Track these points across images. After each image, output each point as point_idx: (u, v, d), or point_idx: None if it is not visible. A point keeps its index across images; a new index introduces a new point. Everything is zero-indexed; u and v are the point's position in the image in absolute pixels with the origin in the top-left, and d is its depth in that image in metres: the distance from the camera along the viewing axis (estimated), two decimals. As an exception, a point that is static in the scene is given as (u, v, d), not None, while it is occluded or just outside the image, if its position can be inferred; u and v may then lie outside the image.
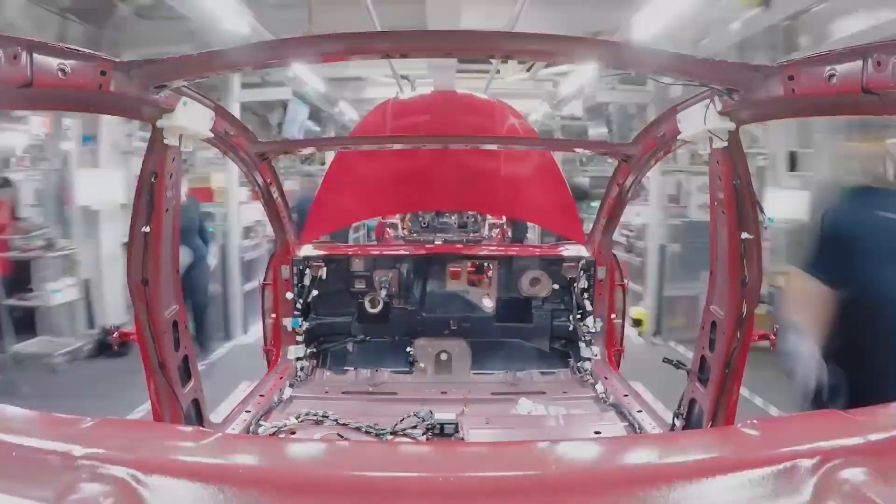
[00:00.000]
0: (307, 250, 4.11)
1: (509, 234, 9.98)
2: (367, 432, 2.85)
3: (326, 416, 2.98)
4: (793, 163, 7.36)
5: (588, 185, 13.39)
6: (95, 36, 6.98)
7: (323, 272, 4.04)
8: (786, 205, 6.45)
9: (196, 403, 2.61)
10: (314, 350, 4.04)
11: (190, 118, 2.19)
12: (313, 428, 3.07)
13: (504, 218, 9.74)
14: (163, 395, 2.41)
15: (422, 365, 4.02)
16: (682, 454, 1.20)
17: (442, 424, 2.89)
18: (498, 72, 10.12)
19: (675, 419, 2.74)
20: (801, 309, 2.69)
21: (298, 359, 3.91)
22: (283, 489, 1.06)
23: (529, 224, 10.50)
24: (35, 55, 1.52)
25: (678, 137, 2.54)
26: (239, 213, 8.68)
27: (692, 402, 2.63)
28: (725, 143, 2.18)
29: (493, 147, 4.07)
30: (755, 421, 1.28)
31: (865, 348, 2.59)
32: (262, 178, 3.45)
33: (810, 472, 1.02)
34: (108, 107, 2.07)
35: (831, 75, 1.62)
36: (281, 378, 3.63)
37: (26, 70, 1.51)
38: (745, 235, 2.26)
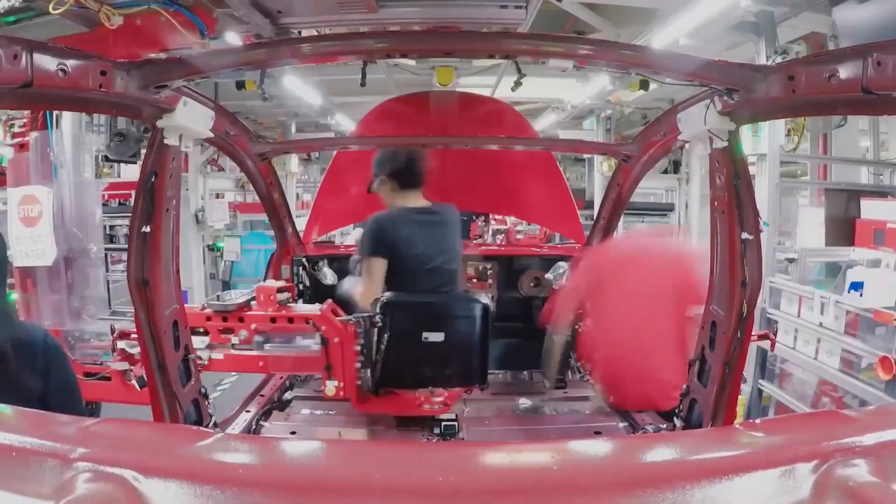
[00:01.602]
0: (308, 250, 4.11)
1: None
2: None
3: None
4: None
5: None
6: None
7: (323, 271, 4.04)
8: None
9: (196, 403, 2.61)
10: None
11: (190, 118, 2.19)
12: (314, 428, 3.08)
13: (508, 222, 9.71)
14: (163, 395, 2.41)
15: None
16: (682, 454, 1.20)
17: (442, 424, 2.89)
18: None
19: (675, 419, 2.74)
20: None
21: None
22: (283, 489, 1.06)
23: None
24: (35, 55, 1.52)
25: (678, 137, 2.54)
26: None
27: (692, 402, 2.63)
28: (725, 143, 2.18)
29: (494, 147, 4.07)
30: (755, 421, 1.28)
31: None
32: (263, 178, 3.45)
33: (810, 472, 1.02)
34: (108, 107, 2.07)
35: (831, 75, 1.62)
36: (281, 378, 3.63)
37: (26, 70, 1.51)
38: (745, 235, 2.26)
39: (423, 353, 2.86)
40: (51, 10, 3.21)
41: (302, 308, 3.03)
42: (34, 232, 3.50)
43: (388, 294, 2.93)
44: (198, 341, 2.75)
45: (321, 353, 2.84)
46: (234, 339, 2.87)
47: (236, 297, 2.98)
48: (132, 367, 3.05)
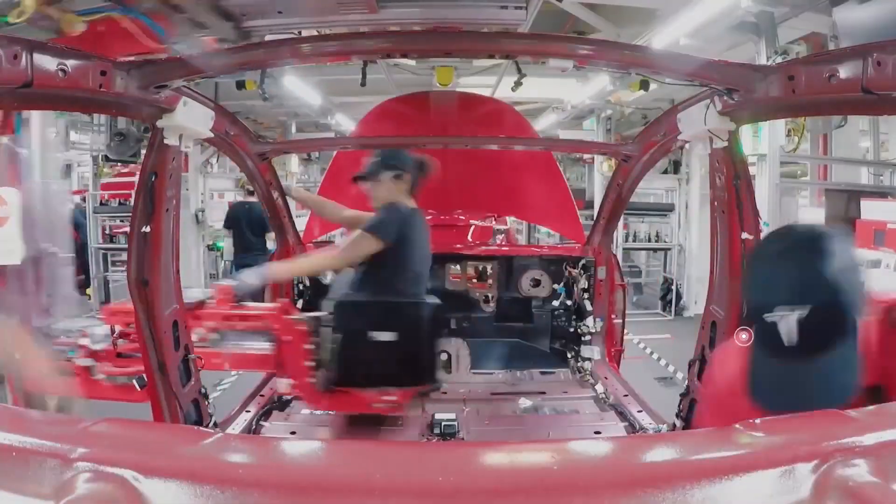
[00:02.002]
0: (307, 250, 4.10)
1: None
2: None
3: None
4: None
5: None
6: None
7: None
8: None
9: (196, 403, 2.62)
10: None
11: (190, 118, 2.20)
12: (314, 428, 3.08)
13: (508, 223, 9.71)
14: (163, 395, 2.41)
15: None
16: (682, 454, 1.20)
17: (442, 424, 2.89)
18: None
19: (676, 419, 2.74)
20: None
21: None
22: (283, 489, 1.06)
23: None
24: (35, 55, 1.52)
25: (678, 137, 2.54)
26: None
27: (692, 402, 2.63)
28: (725, 143, 2.18)
29: (494, 147, 4.07)
30: (755, 421, 1.28)
31: None
32: (263, 178, 3.45)
33: (810, 472, 1.02)
34: (108, 107, 2.07)
35: (831, 75, 1.62)
36: (281, 378, 3.64)
37: (26, 70, 1.51)
38: (745, 235, 2.26)
39: (373, 352, 2.87)
40: (12, 20, 3.23)
41: (255, 306, 3.03)
42: (3, 232, 3.56)
43: (340, 294, 3.00)
44: None
45: (274, 350, 2.87)
46: (193, 337, 2.88)
47: (195, 295, 2.99)
48: (97, 363, 3.09)
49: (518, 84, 3.14)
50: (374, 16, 3.63)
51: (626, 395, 3.38)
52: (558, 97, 10.42)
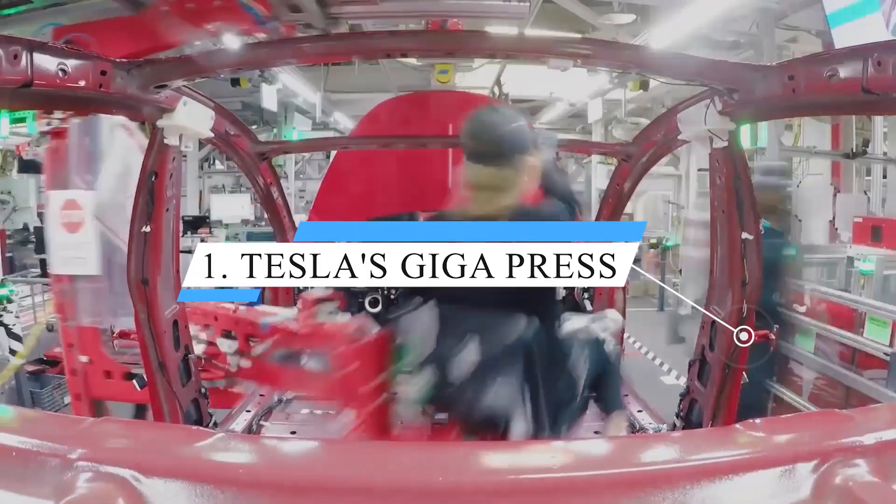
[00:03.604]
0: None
1: None
2: None
3: None
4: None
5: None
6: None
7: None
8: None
9: (196, 403, 2.61)
10: None
11: (190, 118, 2.19)
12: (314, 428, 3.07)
13: None
14: (163, 395, 2.41)
15: None
16: (683, 454, 1.20)
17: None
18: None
19: (676, 419, 2.74)
20: None
21: None
22: (283, 489, 1.06)
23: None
24: (35, 55, 1.52)
25: (678, 137, 2.54)
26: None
27: (692, 402, 2.63)
28: (725, 143, 2.18)
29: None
30: (755, 421, 1.28)
31: None
32: (263, 177, 3.45)
33: (810, 472, 1.02)
34: (108, 107, 2.07)
35: (831, 75, 1.62)
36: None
37: (26, 70, 1.50)
38: (745, 235, 2.26)
39: None
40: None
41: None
42: (76, 239, 3.43)
43: None
44: (226, 345, 2.70)
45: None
46: (259, 349, 2.62)
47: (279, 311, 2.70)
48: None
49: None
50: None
51: (626, 395, 3.37)
52: (560, 94, 10.35)
